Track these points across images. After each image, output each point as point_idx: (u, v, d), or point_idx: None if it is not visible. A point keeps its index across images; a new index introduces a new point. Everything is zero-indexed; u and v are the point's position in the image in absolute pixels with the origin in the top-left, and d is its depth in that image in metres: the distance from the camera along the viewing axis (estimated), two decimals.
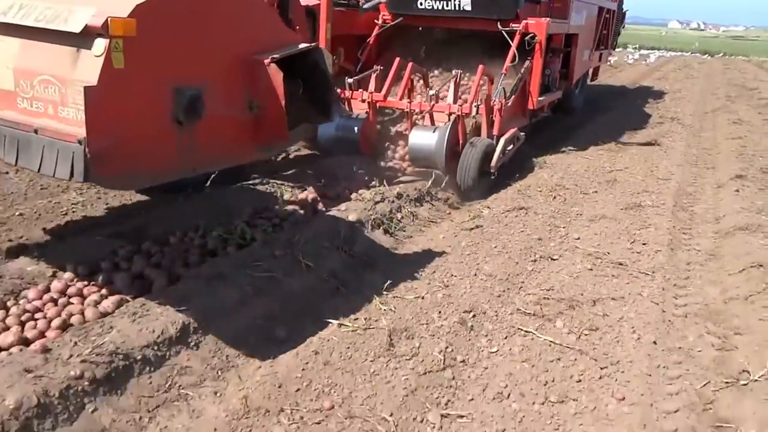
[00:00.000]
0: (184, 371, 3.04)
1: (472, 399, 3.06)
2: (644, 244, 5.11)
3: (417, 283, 4.22)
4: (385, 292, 4.02)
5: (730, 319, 3.83)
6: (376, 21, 8.16)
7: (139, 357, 2.96)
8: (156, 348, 3.05)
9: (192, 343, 3.19)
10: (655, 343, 3.61)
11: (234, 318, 3.46)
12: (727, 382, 3.16)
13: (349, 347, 3.36)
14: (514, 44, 7.21)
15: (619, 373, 3.31)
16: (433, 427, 2.83)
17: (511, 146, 6.77)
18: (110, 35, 2.78)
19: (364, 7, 7.80)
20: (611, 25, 11.49)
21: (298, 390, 2.98)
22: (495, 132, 6.60)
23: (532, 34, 7.34)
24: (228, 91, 3.58)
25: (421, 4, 7.76)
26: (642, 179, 7.02)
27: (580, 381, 3.23)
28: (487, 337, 3.61)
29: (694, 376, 3.26)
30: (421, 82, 7.29)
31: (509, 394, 3.10)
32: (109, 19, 2.76)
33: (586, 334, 3.67)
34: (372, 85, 6.69)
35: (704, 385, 3.17)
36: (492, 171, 6.31)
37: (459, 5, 7.58)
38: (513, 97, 7.05)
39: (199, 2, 3.31)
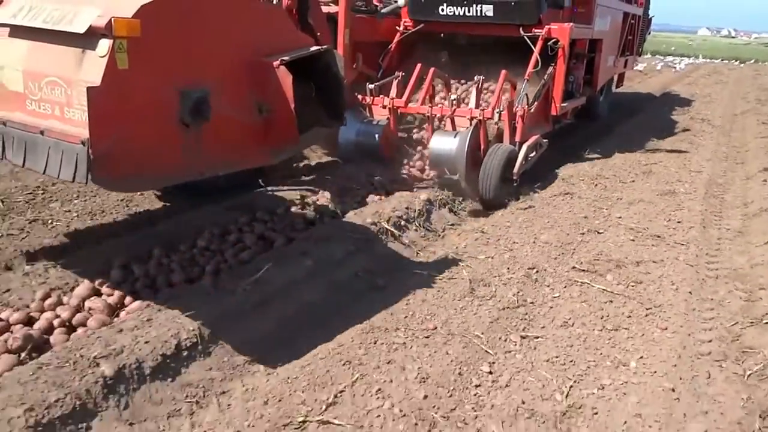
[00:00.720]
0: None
1: (543, 327, 3.76)
2: (679, 222, 5.63)
3: (485, 247, 4.93)
4: (460, 254, 4.74)
5: (755, 279, 4.39)
6: (397, 27, 8.00)
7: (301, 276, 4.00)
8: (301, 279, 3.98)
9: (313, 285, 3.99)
10: (690, 293, 4.21)
11: (341, 269, 4.25)
12: (751, 322, 3.77)
13: (439, 290, 4.12)
14: (536, 50, 7.05)
15: (662, 312, 3.94)
16: (515, 344, 3.54)
17: (534, 153, 6.60)
18: (114, 36, 2.74)
19: (382, 12, 7.75)
20: (637, 31, 11.24)
21: (405, 317, 3.75)
22: (517, 138, 6.41)
23: (554, 40, 7.17)
24: (236, 94, 3.51)
25: (442, 10, 7.63)
26: (675, 171, 7.46)
27: (629, 317, 3.89)
28: (549, 287, 4.30)
29: (724, 318, 3.86)
30: (443, 87, 7.13)
31: (573, 323, 3.80)
32: (113, 19, 2.71)
33: (632, 286, 4.32)
34: (393, 91, 6.57)
35: (733, 324, 3.76)
36: (514, 178, 6.12)
37: (481, 11, 7.44)
38: (536, 103, 6.87)
39: (205, 4, 3.26)
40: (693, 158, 8.12)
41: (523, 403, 3.00)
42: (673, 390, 3.14)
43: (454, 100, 6.23)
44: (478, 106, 6.42)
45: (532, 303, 4.04)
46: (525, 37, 7.19)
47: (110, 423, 2.68)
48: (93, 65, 2.77)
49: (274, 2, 5.60)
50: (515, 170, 6.13)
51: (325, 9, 6.65)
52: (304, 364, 3.20)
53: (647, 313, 3.95)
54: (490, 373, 3.26)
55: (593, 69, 8.85)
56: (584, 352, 3.51)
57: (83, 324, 3.33)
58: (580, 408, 2.99)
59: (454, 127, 6.38)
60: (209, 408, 2.90)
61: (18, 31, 3.14)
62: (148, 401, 2.83)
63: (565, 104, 7.70)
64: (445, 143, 6.09)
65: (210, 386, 3.03)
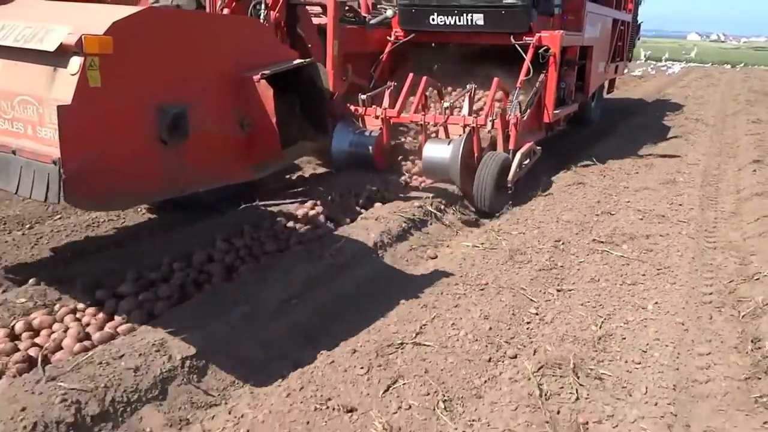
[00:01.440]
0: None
1: (574, 282, 4.58)
2: (680, 204, 6.52)
3: (516, 225, 5.72)
4: (496, 230, 5.55)
5: (747, 249, 5.22)
6: (388, 38, 7.95)
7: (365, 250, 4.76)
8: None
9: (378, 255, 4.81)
10: (693, 259, 5.05)
11: (402, 241, 5.16)
12: (744, 279, 4.58)
13: (484, 257, 4.94)
14: (528, 58, 6.98)
15: (670, 272, 4.78)
16: (553, 295, 4.34)
17: (528, 160, 6.56)
18: (85, 53, 2.64)
19: (371, 23, 7.64)
20: (626, 37, 11.23)
21: (461, 276, 4.54)
22: (511, 146, 6.39)
23: (545, 47, 7.13)
24: (216, 109, 3.42)
25: (432, 20, 7.56)
26: (674, 164, 8.27)
27: (644, 275, 4.73)
28: (574, 254, 5.08)
29: (722, 277, 4.69)
30: (436, 96, 7.07)
31: (599, 280, 4.62)
32: (83, 36, 2.62)
33: (644, 253, 5.16)
34: (386, 101, 6.48)
35: (729, 282, 4.59)
36: (509, 186, 6.08)
37: (471, 20, 7.38)
38: (528, 110, 6.83)
39: (181, 19, 3.19)
40: (690, 153, 8.98)
41: (566, 332, 3.78)
42: (683, 324, 3.95)
43: (447, 108, 6.14)
44: (471, 113, 6.38)
45: (562, 266, 4.81)
46: (516, 45, 7.12)
47: None
48: (64, 83, 2.68)
49: (263, 15, 5.51)
50: (510, 178, 6.08)
51: (316, 21, 6.59)
52: (392, 308, 3.98)
53: (658, 273, 4.77)
54: (536, 314, 4.06)
55: (584, 75, 8.81)
56: (610, 299, 4.30)
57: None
58: (611, 335, 3.77)
59: (447, 135, 6.34)
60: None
61: None
62: None
63: (557, 111, 7.66)
64: (438, 151, 6.02)
65: None
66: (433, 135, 6.49)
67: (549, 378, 3.27)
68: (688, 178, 7.54)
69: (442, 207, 5.76)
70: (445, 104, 6.18)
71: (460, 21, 7.44)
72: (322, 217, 5.30)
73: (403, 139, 7.00)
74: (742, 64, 35.31)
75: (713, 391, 3.24)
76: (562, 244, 5.25)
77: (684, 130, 10.78)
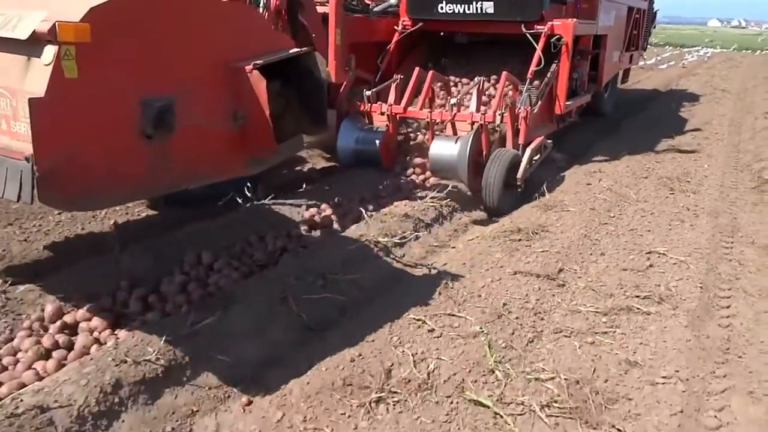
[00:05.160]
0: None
1: (603, 250, 4.88)
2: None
3: (584, 177, 6.79)
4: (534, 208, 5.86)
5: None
6: (395, 27, 7.70)
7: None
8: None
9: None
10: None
11: (446, 221, 5.51)
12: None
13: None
14: (539, 47, 6.76)
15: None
16: (593, 251, 4.86)
17: (538, 156, 6.37)
18: (59, 41, 2.47)
19: (375, 10, 7.42)
20: (642, 25, 10.91)
21: (480, 254, 4.71)
22: (521, 141, 6.17)
23: (558, 36, 6.89)
24: (205, 101, 3.25)
25: (441, 8, 7.33)
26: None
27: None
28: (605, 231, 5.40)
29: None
30: (443, 90, 6.86)
31: (627, 244, 5.02)
32: (57, 23, 2.45)
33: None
34: (392, 97, 6.31)
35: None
36: (518, 183, 5.86)
37: (481, 8, 7.15)
38: (539, 103, 6.60)
39: (167, 5, 2.98)
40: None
41: (617, 262, 4.58)
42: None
43: (454, 104, 5.98)
44: (479, 109, 6.18)
45: (596, 239, 5.20)
46: (527, 34, 6.91)
47: None
48: (37, 74, 2.52)
49: (263, 1, 5.35)
50: (519, 175, 5.86)
51: (320, 9, 6.35)
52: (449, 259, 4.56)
53: (696, 189, 6.50)
54: (596, 243, 4.97)
55: (598, 65, 8.52)
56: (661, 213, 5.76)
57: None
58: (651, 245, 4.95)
59: (455, 132, 6.15)
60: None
61: None
62: None
63: (569, 103, 7.43)
64: (445, 149, 5.86)
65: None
66: (440, 132, 6.33)
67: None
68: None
69: (451, 206, 5.64)
70: (452, 101, 6.02)
71: (469, 9, 7.21)
72: (327, 219, 5.15)
73: (411, 135, 6.84)
74: (765, 51, 35.15)
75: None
76: (626, 179, 6.75)
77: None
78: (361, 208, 5.08)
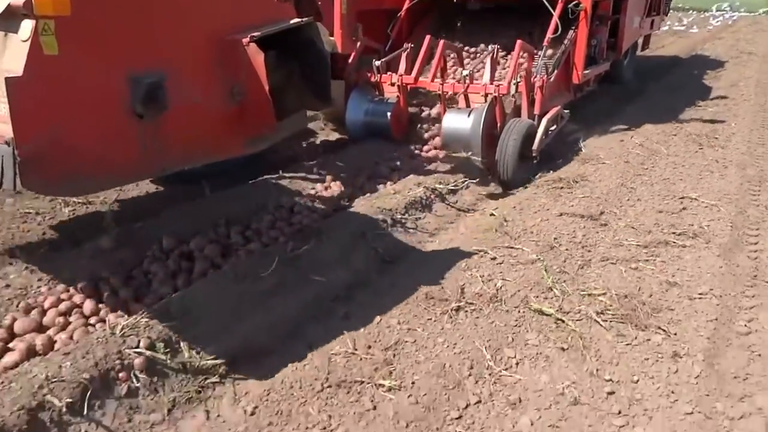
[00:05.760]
0: None
1: (639, 196, 5.20)
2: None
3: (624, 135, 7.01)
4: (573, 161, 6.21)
5: None
6: None
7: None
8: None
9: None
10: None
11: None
12: None
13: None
14: (556, 13, 6.49)
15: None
16: (630, 197, 5.15)
17: (555, 126, 6.08)
18: (36, 15, 2.31)
19: None
20: None
21: (527, 199, 5.11)
22: (536, 111, 5.89)
23: (575, 2, 6.63)
24: (200, 77, 3.11)
25: None
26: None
27: (712, 146, 6.45)
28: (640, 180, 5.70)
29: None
30: (456, 59, 6.68)
31: (660, 191, 5.32)
32: None
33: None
34: (402, 67, 6.07)
35: None
36: (534, 155, 5.63)
37: None
38: (555, 71, 6.31)
39: None
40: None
41: (653, 206, 4.88)
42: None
43: (467, 75, 5.71)
44: (492, 80, 5.91)
45: (632, 187, 5.45)
46: (543, 0, 6.64)
47: None
48: (15, 52, 2.36)
49: None
50: (535, 146, 5.63)
51: None
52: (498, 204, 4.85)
53: (724, 144, 6.64)
54: (632, 191, 5.27)
55: (617, 32, 8.20)
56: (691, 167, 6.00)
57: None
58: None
59: (468, 104, 5.94)
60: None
61: None
62: None
63: (587, 71, 7.16)
64: (458, 122, 5.64)
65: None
66: (453, 104, 6.12)
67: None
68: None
69: (462, 181, 5.50)
70: (465, 72, 5.75)
71: None
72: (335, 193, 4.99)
73: (422, 108, 6.60)
74: None
75: None
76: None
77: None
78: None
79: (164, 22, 2.86)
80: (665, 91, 9.81)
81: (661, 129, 7.21)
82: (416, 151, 6.11)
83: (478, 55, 7.25)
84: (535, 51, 6.28)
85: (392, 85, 6.05)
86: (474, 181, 5.32)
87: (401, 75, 5.99)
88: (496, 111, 5.65)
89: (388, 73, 6.10)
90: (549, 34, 6.38)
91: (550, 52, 6.44)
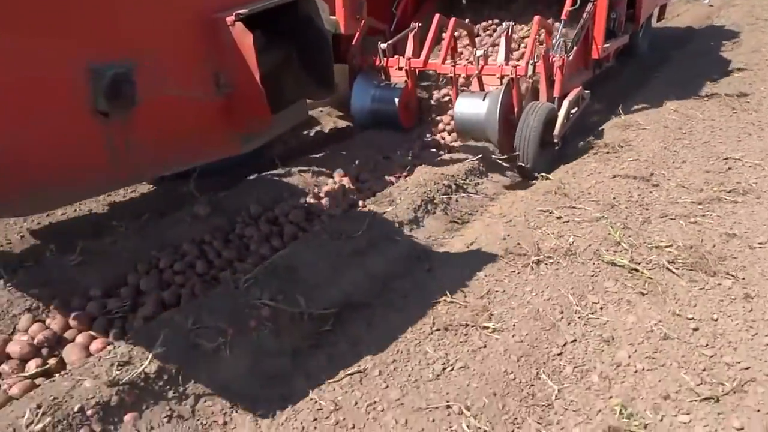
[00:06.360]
0: None
1: (683, 159, 5.40)
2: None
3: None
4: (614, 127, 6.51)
5: None
6: None
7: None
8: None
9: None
10: None
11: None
12: None
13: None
14: None
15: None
16: (674, 159, 5.37)
17: (576, 109, 5.95)
18: None
19: None
20: None
21: (577, 164, 5.40)
22: (556, 93, 5.69)
23: None
24: (178, 66, 2.72)
25: None
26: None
27: (740, 140, 5.87)
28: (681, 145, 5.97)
29: None
30: (468, 39, 6.36)
31: (703, 153, 5.52)
32: None
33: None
34: (410, 48, 5.88)
35: None
36: (555, 141, 5.48)
37: None
38: (574, 48, 6.04)
39: None
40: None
41: (699, 167, 5.20)
42: None
43: (481, 56, 5.46)
44: (507, 59, 5.74)
45: (675, 151, 5.60)
46: None
47: None
48: None
49: None
50: (556, 132, 5.47)
51: None
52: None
53: (757, 108, 6.69)
54: (676, 154, 5.55)
55: (635, 2, 7.99)
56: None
57: None
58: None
59: (482, 87, 5.77)
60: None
61: None
62: None
63: (607, 45, 6.86)
64: (472, 107, 5.42)
65: None
66: (465, 88, 5.96)
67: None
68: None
69: (481, 170, 5.52)
70: (478, 53, 5.50)
71: None
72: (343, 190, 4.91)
73: (433, 93, 6.38)
74: None
75: None
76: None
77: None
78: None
79: (130, 0, 2.52)
80: (688, 59, 9.86)
81: (692, 95, 7.59)
82: (429, 139, 6.02)
83: (488, 32, 7.04)
84: (554, 27, 6.13)
85: (400, 69, 5.91)
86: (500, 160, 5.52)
87: (409, 58, 5.83)
88: (513, 94, 5.49)
89: (395, 56, 5.94)
90: (567, 7, 6.12)
91: (568, 28, 6.13)
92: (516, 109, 5.47)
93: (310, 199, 4.52)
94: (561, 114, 5.53)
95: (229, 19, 2.70)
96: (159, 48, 2.58)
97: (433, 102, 6.27)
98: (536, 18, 5.69)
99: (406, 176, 5.14)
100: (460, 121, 5.49)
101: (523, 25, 6.79)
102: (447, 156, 5.60)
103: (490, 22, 7.14)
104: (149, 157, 2.62)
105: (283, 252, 3.67)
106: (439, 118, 6.13)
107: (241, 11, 2.72)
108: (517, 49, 6.56)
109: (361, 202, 4.67)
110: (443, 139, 5.99)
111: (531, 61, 5.38)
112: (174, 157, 2.80)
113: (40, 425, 2.33)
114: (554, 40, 5.92)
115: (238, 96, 2.89)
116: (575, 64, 6.28)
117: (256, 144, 3.21)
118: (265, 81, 2.85)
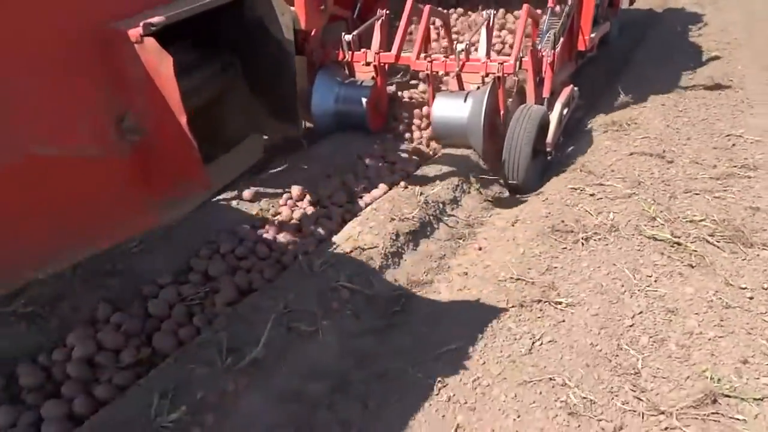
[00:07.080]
0: None
1: (688, 136, 5.44)
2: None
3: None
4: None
5: None
6: None
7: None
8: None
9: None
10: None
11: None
12: None
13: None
14: None
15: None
16: (679, 137, 5.42)
17: (566, 110, 5.36)
18: None
19: None
20: None
21: (591, 142, 5.48)
22: (545, 94, 5.03)
23: None
24: (55, 107, 1.79)
25: None
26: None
27: (735, 117, 5.91)
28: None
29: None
30: (443, 29, 5.86)
31: (705, 130, 5.59)
32: None
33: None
34: (376, 40, 5.19)
35: None
36: (548, 150, 4.92)
37: None
38: (561, 40, 5.24)
39: None
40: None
41: (706, 144, 5.25)
42: None
43: (462, 51, 4.77)
44: (489, 54, 5.21)
45: (677, 130, 5.72)
46: None
47: None
48: None
49: None
50: (549, 139, 4.90)
51: None
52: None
53: (741, 86, 6.73)
54: (678, 131, 5.57)
55: None
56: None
57: None
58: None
59: (461, 86, 5.16)
60: None
61: None
62: None
63: (593, 35, 6.30)
64: (453, 109, 4.83)
65: None
66: (443, 86, 5.50)
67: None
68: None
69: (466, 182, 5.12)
70: (460, 47, 4.77)
71: None
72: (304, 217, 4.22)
73: (403, 91, 5.79)
74: None
75: None
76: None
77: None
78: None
79: None
80: (662, 43, 9.77)
81: (677, 77, 7.60)
82: (402, 146, 5.40)
83: (464, 19, 6.47)
84: (541, 17, 5.43)
85: (368, 64, 5.12)
86: None
87: (378, 52, 5.08)
88: (499, 95, 4.83)
89: (362, 50, 5.22)
90: None
91: (554, 18, 5.45)
92: (502, 112, 4.85)
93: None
94: (554, 119, 4.95)
95: (134, 32, 1.81)
96: (23, 83, 1.66)
97: (405, 101, 5.59)
98: (525, 6, 5.01)
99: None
100: (438, 125, 4.91)
101: (510, 15, 6.20)
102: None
103: (459, 10, 6.48)
104: (13, 250, 1.72)
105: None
106: (413, 120, 5.45)
107: (152, 20, 1.82)
108: (500, 44, 6.06)
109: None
110: (419, 144, 5.30)
111: (519, 56, 4.74)
112: (54, 249, 1.85)
113: (175, 414, 2.34)
114: (541, 32, 5.29)
115: (152, 145, 1.97)
116: (561, 58, 5.50)
117: (184, 209, 2.21)
118: (198, 116, 2.07)
